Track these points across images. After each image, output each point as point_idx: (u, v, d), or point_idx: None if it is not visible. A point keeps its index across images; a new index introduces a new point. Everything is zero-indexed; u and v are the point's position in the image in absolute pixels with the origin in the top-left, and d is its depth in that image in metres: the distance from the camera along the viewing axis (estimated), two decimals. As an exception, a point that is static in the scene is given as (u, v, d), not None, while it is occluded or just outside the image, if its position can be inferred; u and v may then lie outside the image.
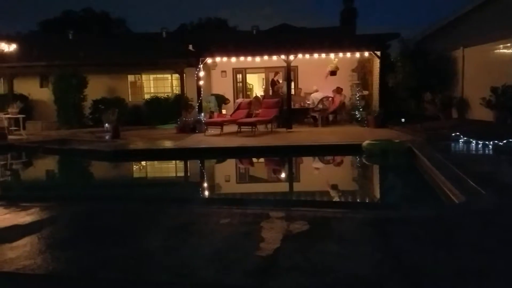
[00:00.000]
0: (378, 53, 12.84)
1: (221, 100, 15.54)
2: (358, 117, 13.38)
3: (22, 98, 16.35)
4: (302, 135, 11.15)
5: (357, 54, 13.63)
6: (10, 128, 12.62)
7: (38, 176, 9.06)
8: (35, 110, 17.02)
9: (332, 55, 13.72)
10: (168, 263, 2.71)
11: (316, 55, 13.33)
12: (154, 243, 3.12)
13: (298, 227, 3.33)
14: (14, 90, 16.93)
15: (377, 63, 13.19)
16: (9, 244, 3.09)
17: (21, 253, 2.91)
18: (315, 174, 8.08)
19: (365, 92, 14.03)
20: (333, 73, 14.72)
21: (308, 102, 14.53)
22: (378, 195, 6.32)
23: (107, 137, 11.77)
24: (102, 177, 8.43)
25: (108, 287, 2.43)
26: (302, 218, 3.54)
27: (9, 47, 12.23)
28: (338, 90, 14.27)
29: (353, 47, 13.14)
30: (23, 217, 3.89)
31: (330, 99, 14.16)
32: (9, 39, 13.00)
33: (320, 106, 13.83)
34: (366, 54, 13.47)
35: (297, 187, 6.90)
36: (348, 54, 13.52)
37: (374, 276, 2.43)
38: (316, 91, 14.45)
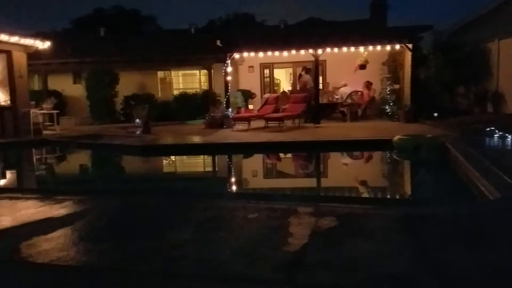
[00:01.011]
0: (410, 46, 12.52)
1: (247, 96, 15.57)
2: (389, 112, 13.11)
3: (56, 94, 16.89)
4: (330, 130, 11.02)
5: (388, 47, 13.33)
6: (45, 124, 13.06)
7: (71, 170, 9.34)
8: (68, 106, 17.57)
9: (361, 49, 13.48)
10: (197, 256, 2.74)
11: (345, 49, 13.12)
12: (183, 237, 3.16)
13: (327, 223, 3.29)
14: (48, 86, 17.51)
15: (408, 56, 12.86)
16: (44, 236, 3.19)
17: (55, 245, 3.00)
18: (343, 170, 7.97)
19: (396, 86, 13.72)
20: (362, 66, 14.47)
21: (336, 97, 14.35)
22: (409, 191, 6.18)
23: (138, 132, 12.01)
24: (133, 171, 8.60)
25: (139, 280, 2.48)
26: (330, 214, 3.49)
27: (44, 45, 12.61)
28: (368, 84, 14.02)
29: (383, 40, 12.86)
30: (57, 210, 4.01)
31: (359, 93, 13.92)
32: (43, 37, 13.40)
33: (349, 100, 13.63)
34: (397, 47, 13.16)
35: (325, 182, 6.83)
36: (379, 47, 13.23)
37: (405, 274, 2.37)
38: (345, 85, 14.25)
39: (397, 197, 5.61)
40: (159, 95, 17.84)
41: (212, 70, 16.72)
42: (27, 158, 10.64)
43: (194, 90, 17.54)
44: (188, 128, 13.36)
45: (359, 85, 14.05)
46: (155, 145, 9.59)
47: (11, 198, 4.67)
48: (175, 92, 17.76)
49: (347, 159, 8.81)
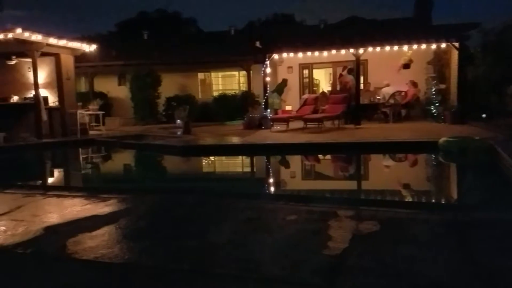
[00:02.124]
0: (457, 44, 12.03)
1: (283, 85, 15.20)
2: (434, 113, 12.65)
3: (102, 95, 17.55)
4: (371, 131, 10.77)
5: (433, 46, 12.87)
6: (91, 124, 13.59)
7: (116, 169, 9.66)
8: (113, 107, 18.19)
9: (405, 47, 13.08)
10: (236, 257, 2.74)
11: (387, 48, 12.78)
12: (222, 236, 3.17)
13: (368, 227, 3.20)
14: (94, 88, 18.22)
15: (455, 55, 12.37)
16: (89, 233, 3.30)
17: (99, 242, 3.10)
18: (386, 173, 7.75)
19: (442, 86, 13.22)
20: (406, 66, 14.05)
21: (378, 97, 14.02)
22: (455, 195, 5.92)
23: (178, 133, 12.26)
24: (174, 171, 8.77)
25: (180, 278, 2.50)
26: (372, 218, 3.40)
27: (90, 48, 13.12)
28: (414, 83, 13.60)
29: (429, 38, 12.43)
30: (102, 208, 4.14)
31: (403, 93, 13.53)
32: (89, 40, 13.96)
33: (392, 101, 13.27)
34: (443, 45, 12.68)
35: (366, 185, 6.67)
36: (423, 46, 12.78)
37: (451, 282, 2.27)
38: (388, 85, 13.90)
39: (443, 202, 5.38)
40: (199, 96, 18.13)
41: (251, 71, 16.80)
42: (74, 157, 11.11)
43: (233, 91, 17.69)
44: (227, 128, 13.48)
45: (403, 85, 13.65)
46: (195, 146, 9.74)
47: (58, 196, 4.88)
48: (215, 93, 17.99)
49: (389, 161, 8.58)
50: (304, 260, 2.62)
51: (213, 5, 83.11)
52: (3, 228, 3.56)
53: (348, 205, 3.96)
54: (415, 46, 12.87)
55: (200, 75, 18.86)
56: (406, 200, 5.33)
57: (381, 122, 13.13)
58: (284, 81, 15.27)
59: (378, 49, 12.82)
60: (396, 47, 12.79)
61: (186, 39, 23.17)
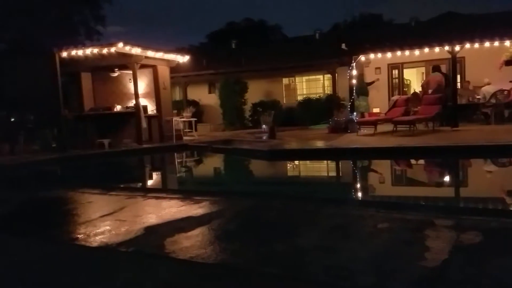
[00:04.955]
0: None
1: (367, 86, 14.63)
2: (544, 113, 11.35)
3: (194, 103, 18.55)
4: (470, 134, 9.96)
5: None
6: (185, 130, 14.43)
7: (207, 172, 10.12)
8: (204, 113, 19.11)
9: (507, 43, 11.92)
10: (326, 264, 2.71)
11: (487, 44, 11.75)
12: (311, 242, 3.15)
13: (470, 237, 2.96)
14: (187, 96, 19.31)
15: None
16: (185, 234, 3.49)
17: (194, 242, 3.26)
18: (488, 179, 7.10)
19: (553, 83, 11.81)
20: (509, 62, 12.78)
21: (478, 97, 12.94)
22: None
23: (264, 137, 12.47)
24: (261, 175, 8.93)
25: (271, 282, 2.54)
26: (474, 228, 3.14)
27: (183, 59, 13.95)
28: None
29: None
30: (196, 210, 4.36)
31: (506, 92, 12.32)
32: (183, 51, 14.84)
33: (493, 100, 12.16)
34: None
35: (466, 192, 6.16)
36: (529, 40, 11.54)
37: None
38: (488, 83, 12.76)
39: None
40: (284, 101, 18.29)
41: (336, 74, 16.53)
42: (170, 161, 11.85)
43: (317, 95, 17.56)
44: (311, 133, 13.40)
45: (505, 83, 12.43)
46: (280, 150, 9.82)
47: (157, 198, 5.25)
48: (299, 98, 18.02)
49: (492, 167, 7.85)
50: (399, 271, 2.50)
51: (298, 11, 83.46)
52: (108, 227, 3.90)
53: (446, 214, 3.71)
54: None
55: (285, 80, 19.03)
56: (514, 209, 4.83)
57: (481, 124, 12.09)
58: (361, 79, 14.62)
59: (476, 45, 11.85)
60: (497, 43, 11.72)
61: (271, 45, 23.56)
